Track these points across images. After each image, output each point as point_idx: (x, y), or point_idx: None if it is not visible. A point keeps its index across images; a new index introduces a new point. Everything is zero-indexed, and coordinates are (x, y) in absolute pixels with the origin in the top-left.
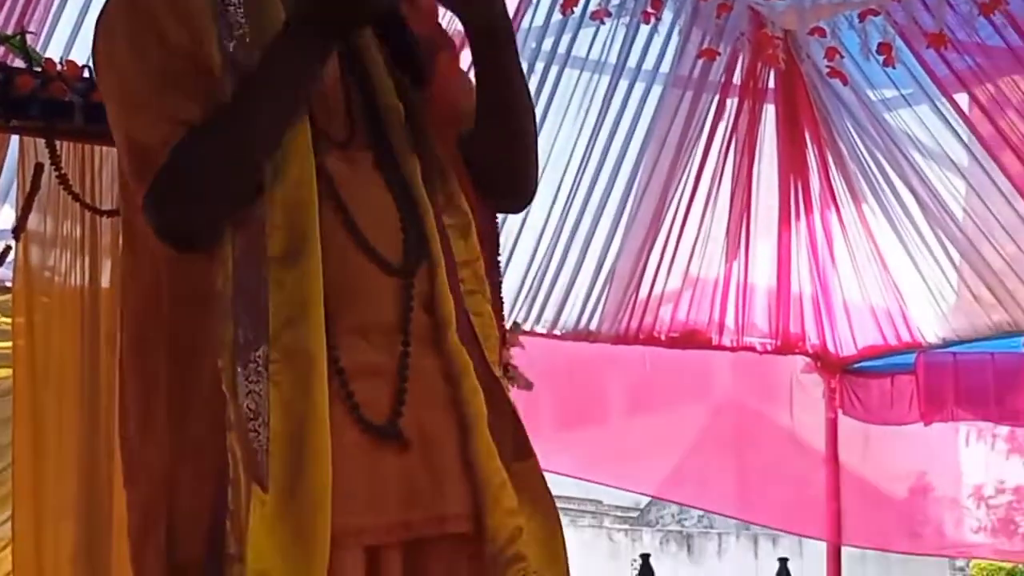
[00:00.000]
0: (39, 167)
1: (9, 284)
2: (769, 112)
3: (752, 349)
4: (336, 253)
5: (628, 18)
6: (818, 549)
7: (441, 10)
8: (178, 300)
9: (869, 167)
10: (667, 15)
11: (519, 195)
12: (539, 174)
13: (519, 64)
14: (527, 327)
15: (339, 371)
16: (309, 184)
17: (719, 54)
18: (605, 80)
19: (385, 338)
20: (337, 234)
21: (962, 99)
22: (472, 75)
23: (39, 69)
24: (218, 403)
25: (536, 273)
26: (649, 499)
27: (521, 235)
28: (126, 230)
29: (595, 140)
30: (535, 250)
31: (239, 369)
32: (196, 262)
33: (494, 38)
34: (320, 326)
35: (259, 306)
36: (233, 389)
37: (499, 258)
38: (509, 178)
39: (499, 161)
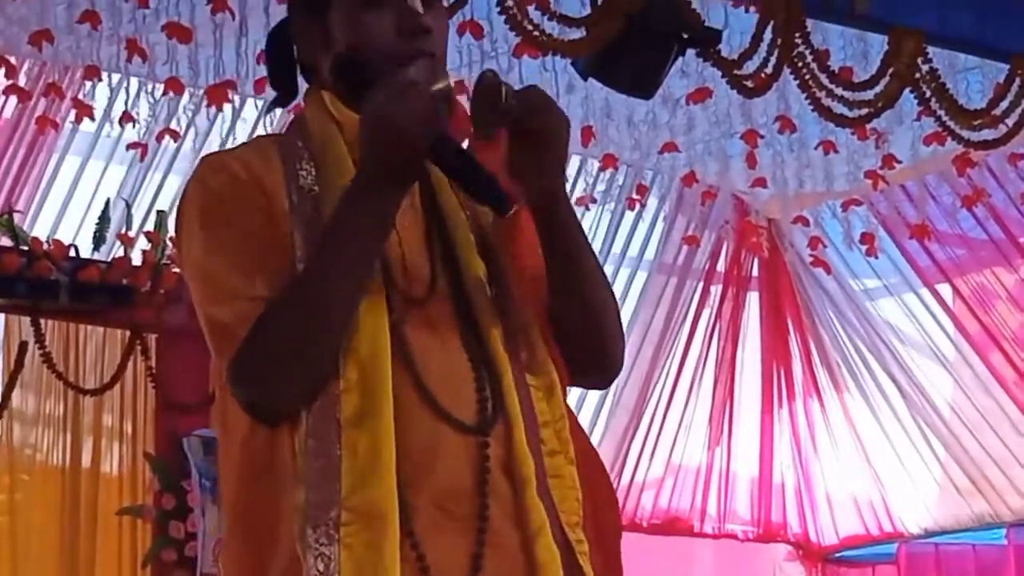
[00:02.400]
0: (23, 345)
1: None
2: (753, 299)
3: (734, 537)
4: (407, 414)
5: (613, 204)
6: None
7: None
8: (254, 477)
9: (851, 356)
10: (652, 202)
11: (599, 371)
12: (622, 349)
13: (584, 235)
14: None
15: (409, 533)
16: (383, 344)
17: (703, 241)
18: None
19: (462, 506)
20: (407, 394)
21: (945, 290)
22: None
23: (25, 248)
24: (296, 572)
25: None
26: None
27: None
28: (217, 413)
29: None
30: None
31: (310, 532)
32: (267, 435)
33: (557, 206)
34: (392, 487)
35: (332, 469)
36: (305, 554)
37: None
38: (585, 352)
39: (575, 334)
